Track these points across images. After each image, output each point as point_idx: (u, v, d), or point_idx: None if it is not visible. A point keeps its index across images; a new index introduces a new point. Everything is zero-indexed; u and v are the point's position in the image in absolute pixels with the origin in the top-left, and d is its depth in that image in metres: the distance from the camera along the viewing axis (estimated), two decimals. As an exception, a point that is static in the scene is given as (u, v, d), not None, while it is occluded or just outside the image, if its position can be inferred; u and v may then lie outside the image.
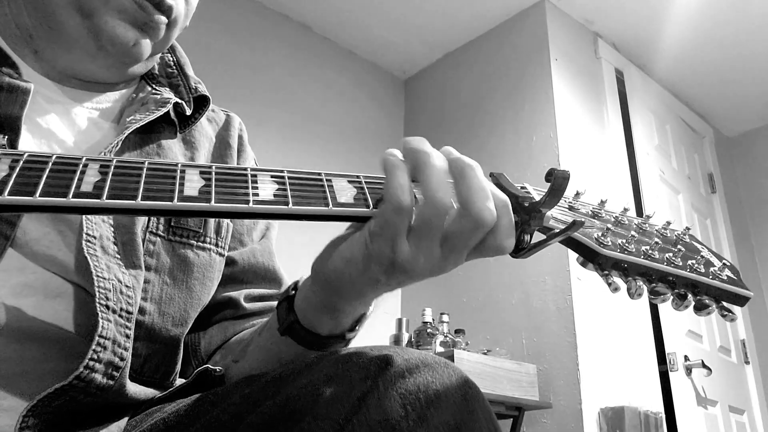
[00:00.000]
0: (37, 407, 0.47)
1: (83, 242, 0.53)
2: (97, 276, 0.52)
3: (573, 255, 0.50)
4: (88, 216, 0.54)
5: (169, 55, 0.75)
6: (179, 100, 0.69)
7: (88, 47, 0.62)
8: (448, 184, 0.44)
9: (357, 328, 0.54)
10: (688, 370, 2.53)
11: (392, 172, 0.43)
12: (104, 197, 0.38)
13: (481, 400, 0.43)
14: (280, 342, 0.54)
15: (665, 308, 2.52)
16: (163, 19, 0.63)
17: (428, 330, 2.20)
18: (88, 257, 0.53)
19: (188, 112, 0.69)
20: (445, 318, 2.29)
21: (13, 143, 0.54)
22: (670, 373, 2.44)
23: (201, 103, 0.72)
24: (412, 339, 2.24)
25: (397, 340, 2.30)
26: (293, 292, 0.55)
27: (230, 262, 0.70)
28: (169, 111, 0.67)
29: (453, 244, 0.44)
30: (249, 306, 0.70)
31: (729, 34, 2.89)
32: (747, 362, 3.00)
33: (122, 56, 0.63)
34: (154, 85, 0.71)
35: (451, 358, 1.90)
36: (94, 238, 0.54)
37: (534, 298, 2.31)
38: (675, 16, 2.79)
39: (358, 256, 0.45)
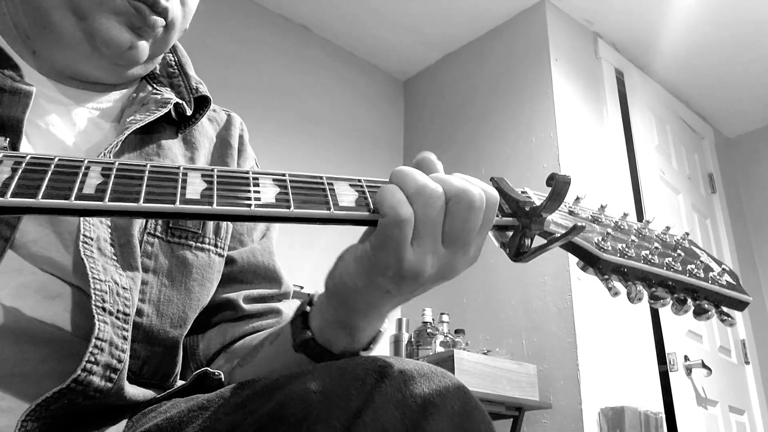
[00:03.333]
0: (36, 411, 0.47)
1: (80, 244, 0.53)
2: (94, 278, 0.52)
3: (573, 256, 0.51)
4: (86, 218, 0.54)
5: (170, 54, 0.74)
6: (180, 101, 0.68)
7: (83, 49, 0.62)
8: (429, 178, 0.45)
9: (372, 346, 0.54)
10: (688, 370, 2.53)
11: (384, 191, 0.44)
12: (106, 199, 0.38)
13: (479, 410, 0.43)
14: (292, 356, 0.54)
15: (665, 309, 2.52)
16: (160, 21, 0.63)
17: (428, 330, 2.20)
18: (85, 259, 0.52)
19: (189, 112, 0.69)
20: (445, 318, 2.29)
21: (14, 145, 0.54)
22: (670, 373, 2.44)
23: (202, 103, 0.71)
24: (412, 339, 2.24)
25: (397, 340, 2.30)
26: (308, 308, 0.54)
27: (229, 262, 0.69)
28: (169, 111, 0.66)
29: (455, 236, 0.44)
30: (248, 307, 0.69)
31: (729, 35, 2.89)
32: (747, 362, 3.01)
33: (117, 58, 0.63)
34: (154, 85, 0.70)
35: (451, 358, 1.90)
36: (91, 239, 0.54)
37: (534, 298, 2.32)
38: (675, 17, 2.79)
39: (363, 269, 0.45)
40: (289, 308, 0.73)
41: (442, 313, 2.30)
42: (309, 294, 0.56)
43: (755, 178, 3.56)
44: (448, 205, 0.44)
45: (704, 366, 2.50)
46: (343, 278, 0.47)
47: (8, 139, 0.53)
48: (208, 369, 0.59)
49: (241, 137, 0.77)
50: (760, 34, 2.88)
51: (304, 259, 2.30)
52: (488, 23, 2.89)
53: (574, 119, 2.57)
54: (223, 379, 0.59)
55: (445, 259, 0.45)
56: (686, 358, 2.53)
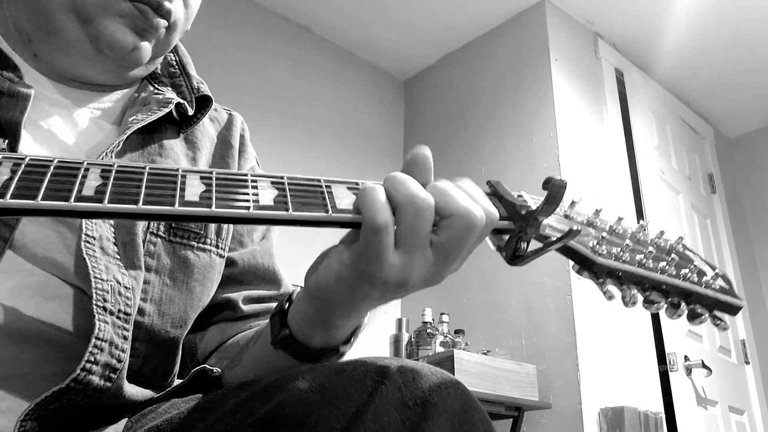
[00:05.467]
0: (35, 411, 0.47)
1: (82, 243, 0.53)
2: (95, 277, 0.52)
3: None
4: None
5: (171, 54, 0.74)
6: (181, 101, 0.68)
7: (87, 52, 0.62)
8: (422, 188, 0.43)
9: (352, 340, 0.53)
10: (688, 370, 2.53)
11: (364, 195, 0.42)
12: (106, 202, 0.38)
13: (479, 411, 0.43)
14: (273, 354, 0.53)
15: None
16: (163, 22, 0.63)
17: (428, 330, 2.20)
18: (87, 258, 0.53)
19: (190, 112, 0.69)
20: (445, 318, 2.29)
21: (12, 148, 0.54)
22: (670, 373, 2.44)
23: (203, 103, 0.72)
24: (412, 339, 2.24)
25: (397, 340, 2.30)
26: (287, 305, 0.53)
27: (230, 263, 0.70)
28: (171, 111, 0.67)
29: (447, 249, 0.43)
30: (246, 308, 0.69)
31: (729, 35, 2.89)
32: (747, 362, 3.01)
33: (121, 60, 0.63)
34: (156, 85, 0.70)
35: (451, 358, 1.90)
36: (94, 239, 0.54)
37: (534, 298, 2.32)
38: (675, 17, 2.79)
39: (348, 275, 0.44)
40: None
41: (442, 313, 2.30)
42: (288, 292, 0.55)
43: (756, 178, 3.55)
44: (447, 221, 0.43)
45: (704, 366, 2.50)
46: (328, 280, 0.45)
47: (6, 141, 0.53)
48: (206, 366, 0.59)
49: (242, 137, 0.77)
50: (761, 34, 2.88)
51: (304, 259, 2.30)
52: (488, 23, 2.89)
53: (574, 119, 2.57)
54: (221, 376, 0.60)
55: (433, 269, 0.44)
56: (686, 358, 2.53)
